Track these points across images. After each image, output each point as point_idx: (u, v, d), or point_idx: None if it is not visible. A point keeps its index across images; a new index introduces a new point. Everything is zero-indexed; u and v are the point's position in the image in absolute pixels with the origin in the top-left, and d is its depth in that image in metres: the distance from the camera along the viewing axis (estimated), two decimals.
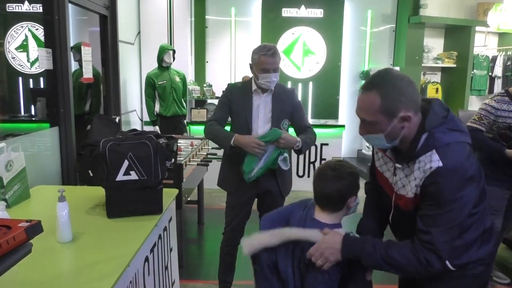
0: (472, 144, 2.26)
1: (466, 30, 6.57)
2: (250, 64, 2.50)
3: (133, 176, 1.86)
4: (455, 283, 1.47)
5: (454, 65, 6.79)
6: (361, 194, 1.58)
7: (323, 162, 1.76)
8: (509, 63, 7.01)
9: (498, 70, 7.00)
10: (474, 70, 6.82)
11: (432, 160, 1.33)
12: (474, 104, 7.27)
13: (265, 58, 2.38)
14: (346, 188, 1.54)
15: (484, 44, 6.93)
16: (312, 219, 1.57)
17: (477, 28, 6.63)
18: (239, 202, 2.63)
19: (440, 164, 1.31)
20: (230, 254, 2.75)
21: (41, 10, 2.95)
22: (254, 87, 2.52)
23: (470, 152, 1.40)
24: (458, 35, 6.77)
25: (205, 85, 6.05)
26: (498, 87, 7.08)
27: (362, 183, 1.58)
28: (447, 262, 1.34)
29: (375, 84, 1.35)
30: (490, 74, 7.02)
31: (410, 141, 1.39)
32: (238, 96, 2.55)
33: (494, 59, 7.02)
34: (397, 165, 1.46)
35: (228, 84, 2.74)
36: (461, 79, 6.59)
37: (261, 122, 2.52)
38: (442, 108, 1.41)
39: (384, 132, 1.36)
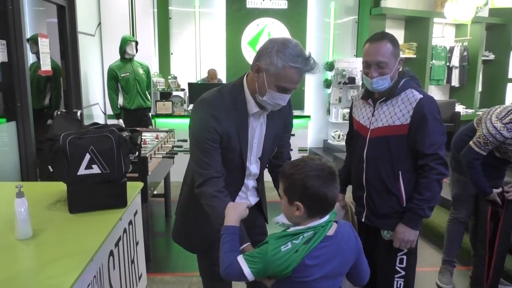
0: (465, 163, 2.56)
1: (425, 22, 6.79)
2: (258, 65, 1.50)
3: (95, 169, 1.83)
4: (392, 221, 1.92)
5: (414, 56, 7.01)
6: None
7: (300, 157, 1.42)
8: (465, 53, 7.30)
9: (455, 60, 7.28)
10: (433, 61, 7.07)
11: (414, 95, 1.83)
12: (433, 93, 7.54)
13: (295, 73, 1.47)
14: None
15: (441, 35, 7.18)
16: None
17: (435, 20, 6.86)
18: None
19: (421, 95, 1.82)
20: None
21: None
22: (253, 108, 1.60)
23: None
24: (417, 26, 6.98)
25: (170, 77, 5.96)
26: (455, 76, 7.37)
27: None
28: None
29: (384, 36, 1.82)
30: (448, 64, 7.29)
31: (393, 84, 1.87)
32: (228, 121, 1.57)
33: (451, 49, 7.30)
34: (378, 104, 1.92)
35: (203, 101, 1.59)
36: (420, 69, 6.81)
37: (253, 157, 1.71)
38: (412, 72, 1.97)
39: (390, 73, 1.81)
